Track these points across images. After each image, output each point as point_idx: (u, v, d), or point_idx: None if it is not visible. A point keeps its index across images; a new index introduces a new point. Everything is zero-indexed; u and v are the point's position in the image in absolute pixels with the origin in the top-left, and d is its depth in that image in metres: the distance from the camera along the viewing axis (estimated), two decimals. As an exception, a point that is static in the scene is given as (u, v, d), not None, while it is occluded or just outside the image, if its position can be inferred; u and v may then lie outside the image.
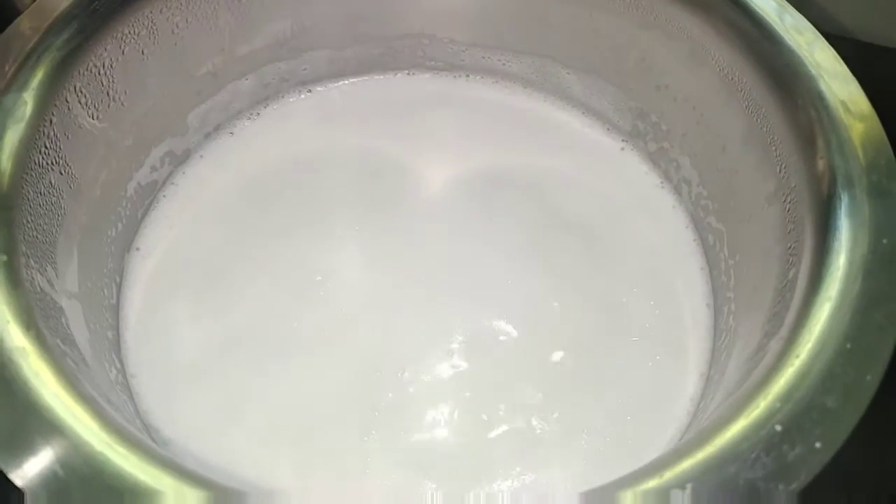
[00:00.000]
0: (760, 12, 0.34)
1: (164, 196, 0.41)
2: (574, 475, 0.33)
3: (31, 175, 0.30)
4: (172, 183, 0.42)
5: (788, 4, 0.35)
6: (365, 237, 0.40)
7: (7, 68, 0.31)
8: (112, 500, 0.23)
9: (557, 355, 0.37)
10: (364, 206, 0.41)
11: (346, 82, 0.46)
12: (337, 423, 0.34)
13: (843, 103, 0.31)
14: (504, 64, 0.45)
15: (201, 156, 0.43)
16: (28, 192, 0.30)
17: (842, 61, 0.33)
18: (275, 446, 0.34)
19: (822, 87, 0.32)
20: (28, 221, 0.29)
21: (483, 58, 0.46)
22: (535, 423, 0.34)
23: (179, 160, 0.42)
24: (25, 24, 0.33)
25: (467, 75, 0.47)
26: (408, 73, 0.47)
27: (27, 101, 0.31)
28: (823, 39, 0.33)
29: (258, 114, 0.45)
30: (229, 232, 0.40)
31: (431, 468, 0.33)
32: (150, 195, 0.40)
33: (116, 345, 0.36)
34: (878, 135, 0.30)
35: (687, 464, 0.23)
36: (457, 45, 0.45)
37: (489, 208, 0.41)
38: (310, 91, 0.46)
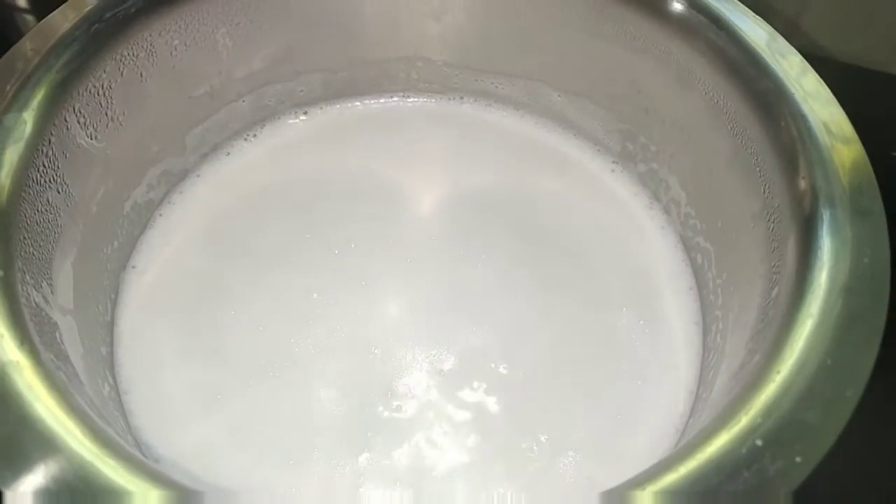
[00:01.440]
0: (746, 38, 0.35)
1: (160, 215, 0.42)
2: (562, 492, 0.33)
3: (29, 193, 0.31)
4: (169, 202, 0.42)
5: (776, 32, 0.35)
6: (359, 257, 0.41)
7: (8, 88, 0.32)
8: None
9: (548, 374, 0.37)
10: (358, 225, 0.42)
11: (341, 104, 0.47)
12: (330, 442, 0.34)
13: (826, 126, 0.32)
14: (496, 87, 0.46)
15: (198, 175, 0.43)
16: (26, 209, 0.30)
17: (825, 85, 0.33)
18: (267, 464, 0.34)
19: (805, 109, 0.32)
20: (25, 238, 0.30)
21: (476, 80, 0.46)
22: (524, 441, 0.35)
23: (176, 179, 0.43)
24: (27, 46, 0.33)
25: (460, 97, 0.47)
26: (402, 96, 0.48)
27: (27, 120, 0.31)
28: (808, 65, 0.34)
29: (255, 135, 0.45)
30: (225, 251, 0.41)
31: (422, 486, 0.33)
32: (146, 214, 0.41)
33: (110, 361, 0.36)
34: (859, 156, 0.31)
35: (670, 478, 0.23)
36: (450, 69, 0.46)
37: (482, 229, 0.42)
38: (305, 113, 0.46)
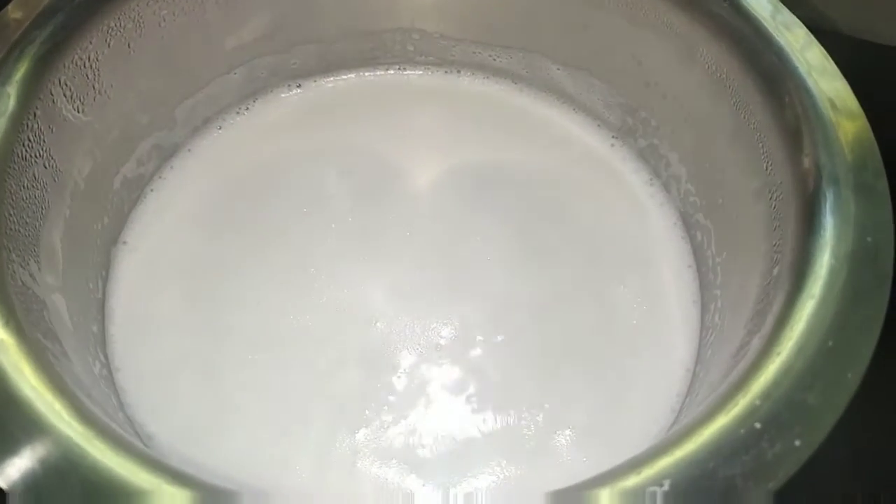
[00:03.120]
0: (751, 9, 0.34)
1: (151, 190, 0.41)
2: (558, 471, 0.33)
3: (14, 168, 0.30)
4: (160, 177, 0.41)
5: (781, 4, 0.34)
6: (355, 231, 0.40)
7: (-10, 60, 0.31)
8: (91, 498, 0.22)
9: (544, 351, 0.37)
10: (353, 200, 0.41)
11: (336, 77, 0.46)
12: (327, 418, 0.34)
13: (831, 101, 0.31)
14: (494, 59, 0.45)
15: (189, 150, 0.43)
16: (11, 185, 0.30)
17: (831, 60, 0.32)
18: (262, 442, 0.34)
19: (810, 84, 0.31)
20: (10, 215, 0.29)
21: (473, 53, 0.45)
22: (520, 418, 0.34)
23: (167, 154, 0.42)
24: (10, 16, 0.32)
25: (458, 71, 0.46)
26: (398, 68, 0.47)
27: (10, 94, 0.30)
28: (814, 38, 0.33)
29: (247, 108, 0.44)
30: (217, 226, 0.40)
31: (418, 463, 0.33)
32: (137, 189, 0.40)
33: (101, 339, 0.36)
34: (865, 133, 0.30)
35: (665, 461, 0.23)
36: (447, 41, 0.45)
37: (479, 203, 0.41)
38: (299, 86, 0.45)
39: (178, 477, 0.23)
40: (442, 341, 0.37)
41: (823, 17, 0.48)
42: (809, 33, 0.33)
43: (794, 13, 0.34)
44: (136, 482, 0.23)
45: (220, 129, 0.44)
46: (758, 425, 0.23)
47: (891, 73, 0.49)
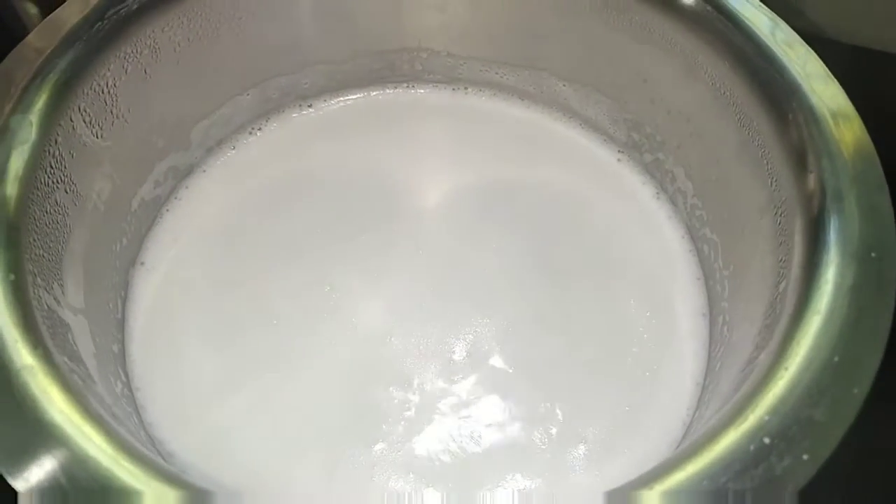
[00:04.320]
0: (753, 28, 0.35)
1: (167, 210, 0.42)
2: (571, 485, 0.33)
3: (37, 195, 0.31)
4: (176, 197, 0.42)
5: (780, 20, 0.35)
6: (368, 248, 0.41)
7: (13, 90, 0.32)
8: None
9: (556, 365, 0.37)
10: (366, 217, 0.42)
11: (346, 96, 0.47)
12: (343, 434, 0.35)
13: (834, 117, 0.32)
14: (502, 77, 0.46)
15: (204, 170, 0.43)
16: (34, 211, 0.30)
17: (833, 77, 0.33)
18: (280, 457, 0.34)
19: (813, 101, 0.32)
20: (35, 240, 0.30)
21: (481, 71, 0.46)
22: (532, 431, 0.35)
23: (182, 175, 0.43)
24: (31, 46, 0.33)
25: (466, 88, 0.47)
26: (407, 87, 0.47)
27: (32, 122, 0.31)
28: (815, 54, 0.34)
29: (259, 128, 0.45)
30: (233, 245, 0.41)
31: (434, 476, 0.34)
32: (154, 210, 0.41)
33: (122, 358, 0.36)
34: (867, 149, 0.31)
35: (677, 476, 0.23)
36: (454, 59, 0.46)
37: (489, 219, 0.42)
38: (310, 105, 0.46)
39: (202, 495, 0.24)
40: (455, 356, 0.37)
41: (822, 26, 0.49)
42: (810, 49, 0.34)
43: (791, 24, 0.35)
44: (162, 501, 0.23)
45: (233, 149, 0.44)
46: (767, 440, 0.24)
47: (889, 79, 0.49)
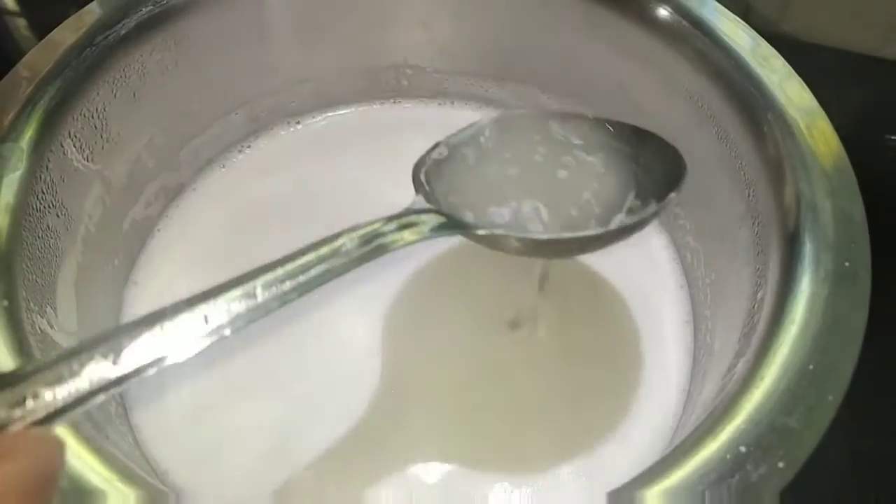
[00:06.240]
0: (729, 42, 0.36)
1: (158, 230, 0.42)
2: (561, 494, 0.34)
3: (29, 220, 0.31)
4: (167, 217, 0.43)
5: (759, 36, 0.36)
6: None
7: (3, 118, 0.32)
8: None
9: (538, 372, 0.38)
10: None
11: (334, 113, 0.47)
12: (338, 455, 0.35)
13: (809, 130, 0.32)
14: (486, 90, 0.47)
15: (194, 189, 0.44)
16: (27, 236, 0.31)
17: (809, 91, 0.34)
18: (275, 476, 0.34)
19: (788, 115, 0.33)
20: (27, 266, 0.31)
21: (466, 85, 0.47)
22: (519, 439, 0.36)
23: (173, 194, 0.43)
24: (21, 73, 0.34)
25: (451, 102, 0.48)
26: (393, 102, 0.48)
27: (23, 149, 0.32)
28: (792, 70, 0.35)
29: (248, 146, 0.46)
30: (224, 263, 0.40)
31: (427, 493, 0.34)
32: (145, 230, 0.42)
33: (116, 378, 0.37)
34: (842, 160, 0.32)
35: (655, 489, 0.24)
36: (440, 74, 0.46)
37: (476, 230, 0.43)
38: (298, 123, 0.47)
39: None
40: (445, 370, 0.38)
41: (806, 30, 0.49)
42: (787, 64, 0.35)
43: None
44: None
45: (223, 167, 0.45)
46: (743, 449, 0.25)
47: (874, 82, 0.50)
